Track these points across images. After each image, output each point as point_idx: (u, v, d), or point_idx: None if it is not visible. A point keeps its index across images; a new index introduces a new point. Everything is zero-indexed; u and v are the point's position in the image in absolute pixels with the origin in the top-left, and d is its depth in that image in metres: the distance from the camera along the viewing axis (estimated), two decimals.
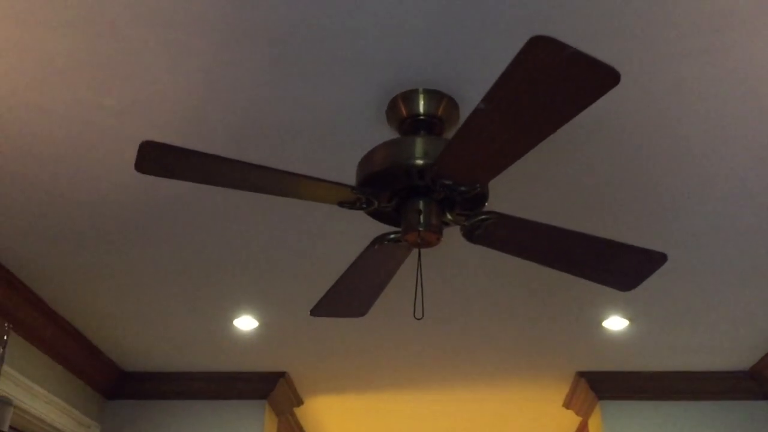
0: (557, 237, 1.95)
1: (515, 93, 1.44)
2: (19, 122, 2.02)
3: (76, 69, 1.83)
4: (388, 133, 2.01)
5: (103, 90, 1.90)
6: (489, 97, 1.47)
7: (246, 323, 3.35)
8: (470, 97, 1.93)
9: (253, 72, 1.85)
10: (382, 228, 1.99)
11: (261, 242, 2.67)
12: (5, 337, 2.04)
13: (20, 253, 2.71)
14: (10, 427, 2.99)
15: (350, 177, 1.91)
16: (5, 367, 2.89)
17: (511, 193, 2.35)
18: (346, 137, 2.08)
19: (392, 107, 1.96)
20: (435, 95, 1.93)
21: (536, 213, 2.40)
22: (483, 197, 1.85)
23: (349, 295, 2.23)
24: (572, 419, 4.59)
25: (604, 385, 3.92)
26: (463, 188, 1.74)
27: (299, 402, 4.40)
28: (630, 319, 3.29)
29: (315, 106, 1.98)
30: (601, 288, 2.85)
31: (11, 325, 2.08)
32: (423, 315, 2.05)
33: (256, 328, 3.41)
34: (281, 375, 3.97)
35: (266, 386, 3.97)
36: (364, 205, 1.82)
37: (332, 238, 2.64)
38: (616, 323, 3.33)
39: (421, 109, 1.93)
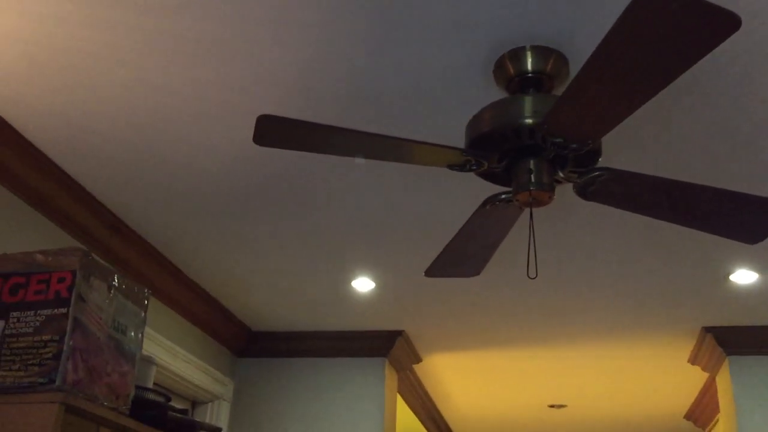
0: (676, 190, 1.88)
1: (627, 45, 1.40)
2: (148, 102, 2.16)
3: (194, 50, 1.93)
4: (496, 94, 2.00)
5: (219, 68, 2.00)
6: (599, 51, 1.43)
7: (363, 285, 3.46)
8: (580, 51, 1.88)
9: (358, 41, 1.89)
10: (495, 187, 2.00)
11: (373, 206, 2.73)
12: (146, 302, 2.22)
13: (156, 225, 2.91)
14: (155, 383, 3.25)
15: (460, 140, 1.92)
16: (148, 329, 3.14)
17: (625, 148, 2.28)
18: (453, 100, 2.09)
19: (499, 66, 1.94)
20: (543, 51, 1.89)
21: (652, 168, 2.33)
22: (596, 154, 1.82)
23: (463, 256, 2.26)
24: (699, 375, 4.45)
25: (731, 340, 3.78)
26: (574, 146, 1.72)
27: (418, 359, 4.51)
28: (760, 272, 3.14)
29: (421, 71, 1.99)
30: (727, 240, 2.74)
31: (150, 291, 2.26)
32: (537, 274, 2.04)
33: (373, 290, 3.51)
34: (399, 333, 4.08)
35: (385, 344, 4.09)
36: (474, 167, 1.83)
37: (445, 199, 2.66)
38: (744, 276, 3.18)
39: (529, 67, 1.90)
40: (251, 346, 4.19)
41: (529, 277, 1.98)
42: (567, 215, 2.75)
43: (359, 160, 2.40)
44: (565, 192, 2.28)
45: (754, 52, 1.88)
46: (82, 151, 2.40)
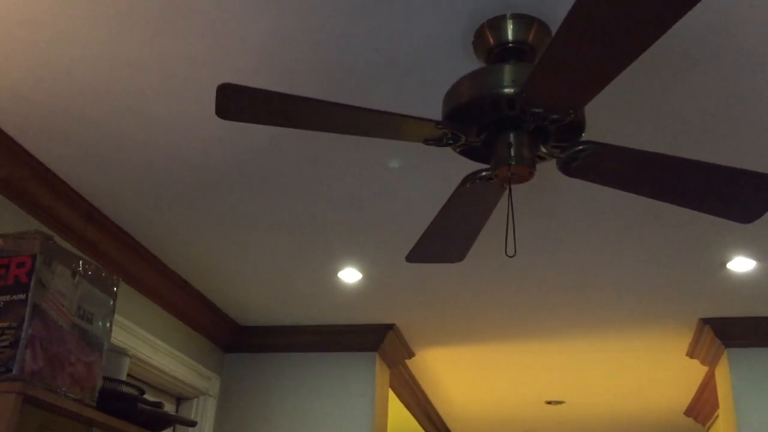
0: (666, 165, 1.79)
1: (603, 5, 1.31)
2: (113, 79, 2.06)
3: (157, 19, 1.83)
4: (476, 66, 1.90)
5: (184, 39, 1.90)
6: (574, 12, 1.34)
7: (350, 275, 3.36)
8: (563, 18, 1.79)
9: (333, 10, 1.79)
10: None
11: (358, 192, 2.63)
12: (115, 289, 2.12)
13: (132, 212, 2.81)
14: (136, 378, 3.16)
15: (439, 116, 1.83)
16: (126, 321, 3.05)
17: (611, 124, 2.19)
18: (431, 73, 1.99)
19: (479, 37, 1.84)
20: (524, 20, 1.80)
21: (639, 143, 2.24)
22: (579, 126, 1.72)
23: (445, 239, 2.17)
24: (698, 369, 4.35)
25: (730, 331, 3.67)
26: (555, 116, 1.62)
27: (410, 354, 4.41)
28: (757, 260, 3.04)
29: (397, 41, 1.90)
30: (723, 226, 2.65)
31: (120, 278, 2.16)
32: (515, 252, 1.94)
33: (360, 281, 3.41)
34: (389, 327, 3.98)
35: (375, 338, 4.00)
36: (451, 141, 1.74)
37: (435, 184, 2.55)
38: (741, 264, 3.08)
39: (510, 36, 1.81)
40: (238, 340, 4.10)
41: (507, 255, 1.88)
42: (558, 202, 2.65)
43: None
44: (560, 180, 2.18)
45: (754, 24, 1.78)
46: (46, 132, 2.30)
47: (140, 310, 3.22)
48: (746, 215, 1.90)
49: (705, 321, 3.71)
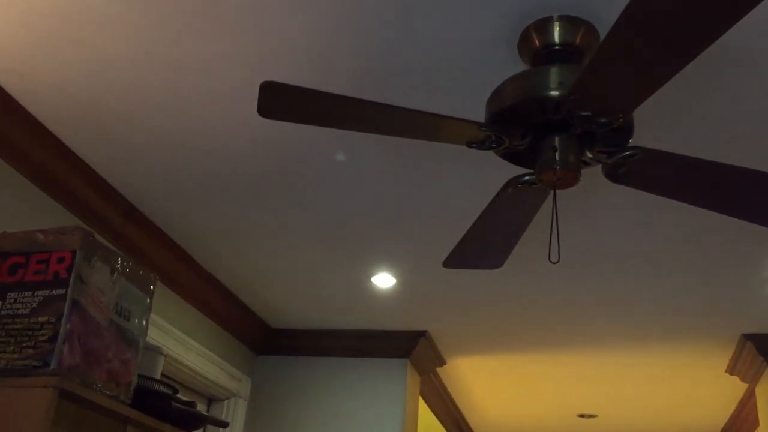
0: (715, 173, 1.73)
1: (657, 6, 1.27)
2: (158, 79, 2.06)
3: (200, 19, 1.84)
4: (521, 68, 1.87)
5: (231, 42, 1.90)
6: (627, 13, 1.30)
7: (384, 280, 3.33)
8: (612, 21, 1.75)
9: (377, 12, 1.78)
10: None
11: (395, 195, 2.61)
12: (152, 287, 2.12)
13: (170, 212, 2.82)
14: (169, 377, 3.17)
15: (481, 119, 1.80)
16: (160, 320, 3.07)
17: (656, 129, 2.14)
18: (475, 75, 1.96)
19: (524, 39, 1.81)
20: (572, 22, 1.76)
21: (685, 149, 2.18)
22: (627, 131, 1.68)
23: (484, 245, 2.13)
24: (737, 386, 4.24)
25: None
26: (603, 120, 1.58)
27: (442, 362, 4.37)
28: None
29: (441, 44, 1.87)
30: None
31: (157, 276, 2.16)
32: (559, 259, 1.90)
33: (394, 286, 3.38)
34: (422, 334, 3.95)
35: (407, 345, 3.97)
36: (494, 144, 1.70)
37: (473, 188, 2.52)
38: None
39: (557, 39, 1.77)
40: (270, 343, 4.10)
41: (550, 261, 1.84)
42: (598, 211, 2.60)
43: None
44: (601, 189, 2.14)
45: None
46: (87, 129, 2.32)
47: (174, 309, 3.23)
48: None
49: (747, 337, 3.61)
